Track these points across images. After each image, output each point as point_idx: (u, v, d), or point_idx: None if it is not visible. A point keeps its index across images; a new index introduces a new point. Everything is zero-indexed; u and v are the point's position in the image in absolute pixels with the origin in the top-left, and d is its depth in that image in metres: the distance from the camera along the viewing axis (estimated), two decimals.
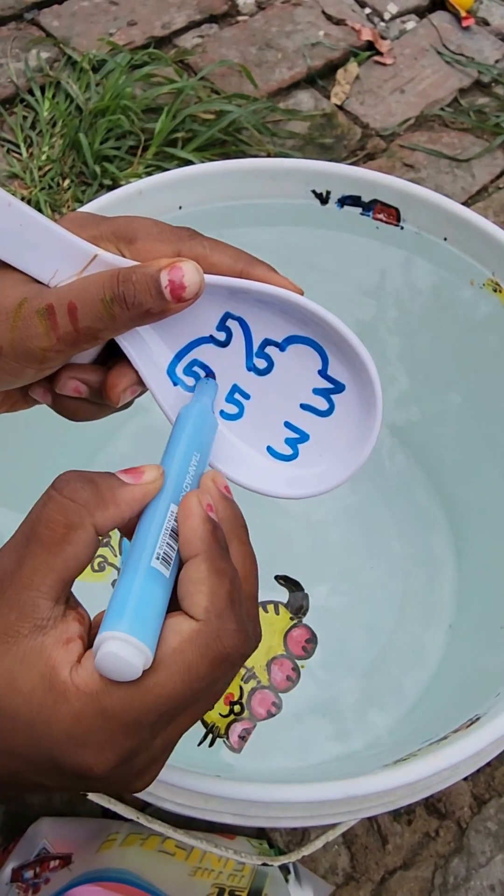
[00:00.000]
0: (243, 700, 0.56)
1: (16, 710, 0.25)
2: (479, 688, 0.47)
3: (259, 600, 0.32)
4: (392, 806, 0.38)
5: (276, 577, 0.61)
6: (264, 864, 0.46)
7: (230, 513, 0.29)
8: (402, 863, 0.62)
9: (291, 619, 0.60)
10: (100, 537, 0.27)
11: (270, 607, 0.60)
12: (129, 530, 0.28)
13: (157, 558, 0.27)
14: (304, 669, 0.58)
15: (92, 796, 0.44)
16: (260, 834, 0.61)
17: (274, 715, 0.56)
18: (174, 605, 0.27)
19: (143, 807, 0.54)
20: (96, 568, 0.61)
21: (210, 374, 0.34)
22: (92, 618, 0.28)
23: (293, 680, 0.57)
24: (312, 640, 0.59)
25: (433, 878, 0.61)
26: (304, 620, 0.60)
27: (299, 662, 0.58)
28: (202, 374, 0.34)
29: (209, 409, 0.33)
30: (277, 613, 0.60)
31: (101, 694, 0.24)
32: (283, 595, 0.61)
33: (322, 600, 0.61)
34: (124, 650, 0.24)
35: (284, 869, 0.56)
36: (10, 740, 0.25)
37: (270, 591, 0.61)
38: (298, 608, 0.60)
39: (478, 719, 0.39)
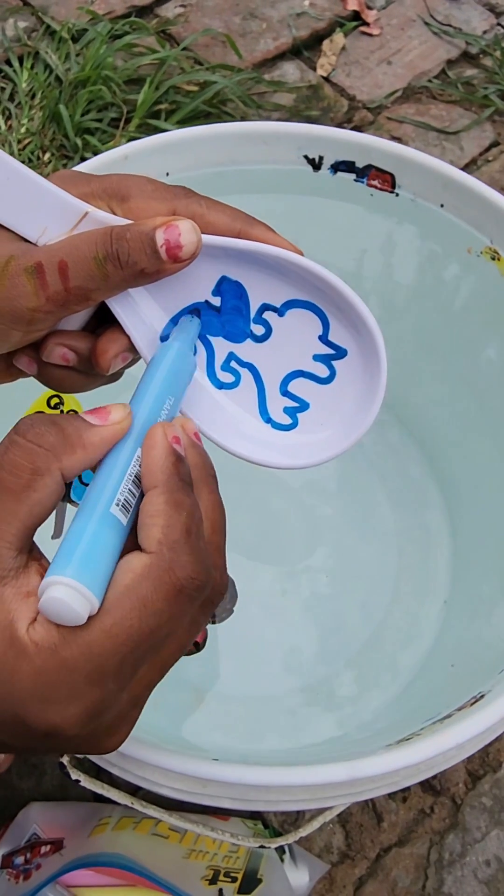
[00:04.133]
0: None
1: None
2: (479, 664, 0.47)
3: None
4: (395, 787, 0.37)
5: None
6: (261, 847, 0.45)
7: (198, 460, 0.28)
8: (398, 840, 0.61)
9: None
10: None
11: None
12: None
13: (117, 504, 0.25)
14: None
15: (84, 782, 0.43)
16: (254, 814, 0.60)
17: None
18: (133, 547, 0.25)
19: (135, 790, 0.53)
20: None
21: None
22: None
23: None
24: (200, 645, 0.56)
25: (428, 855, 0.61)
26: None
27: None
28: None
29: (188, 351, 0.31)
30: None
31: (61, 647, 0.23)
32: None
33: (316, 578, 0.60)
34: (68, 595, 0.23)
35: (280, 849, 0.56)
36: None
37: None
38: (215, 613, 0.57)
39: (482, 696, 0.38)
